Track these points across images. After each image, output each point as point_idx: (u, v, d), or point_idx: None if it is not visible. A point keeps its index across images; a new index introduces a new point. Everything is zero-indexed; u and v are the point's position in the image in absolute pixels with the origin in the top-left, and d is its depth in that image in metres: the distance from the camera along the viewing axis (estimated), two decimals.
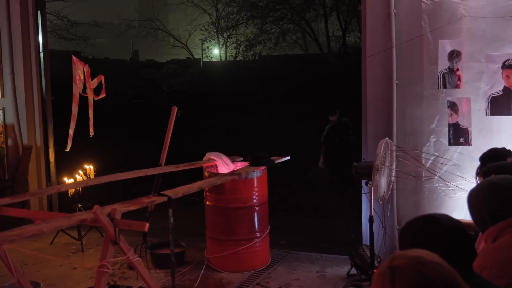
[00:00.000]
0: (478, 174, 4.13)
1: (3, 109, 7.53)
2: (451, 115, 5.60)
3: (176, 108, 6.04)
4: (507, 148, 4.30)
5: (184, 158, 6.43)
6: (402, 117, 5.73)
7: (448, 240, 2.08)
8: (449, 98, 5.59)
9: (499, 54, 5.39)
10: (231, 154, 6.60)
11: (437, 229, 2.12)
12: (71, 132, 6.70)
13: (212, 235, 6.01)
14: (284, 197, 9.65)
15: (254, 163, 6.13)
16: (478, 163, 4.13)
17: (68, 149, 6.79)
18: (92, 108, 6.72)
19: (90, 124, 6.74)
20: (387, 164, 5.01)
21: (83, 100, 6.65)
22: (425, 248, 1.72)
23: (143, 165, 5.87)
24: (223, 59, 34.75)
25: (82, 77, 6.55)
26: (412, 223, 2.20)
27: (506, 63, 5.37)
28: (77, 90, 6.53)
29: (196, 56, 37.39)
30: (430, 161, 5.64)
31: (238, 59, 31.21)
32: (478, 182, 4.07)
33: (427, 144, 5.68)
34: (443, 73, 5.57)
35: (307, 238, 7.22)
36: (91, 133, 6.79)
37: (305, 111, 18.47)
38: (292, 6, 26.99)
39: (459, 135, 5.58)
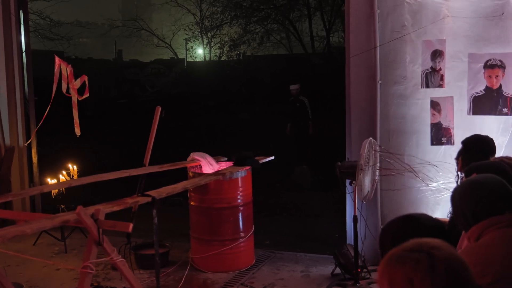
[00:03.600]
0: (458, 158, 4.15)
1: None
2: (433, 114, 5.63)
3: (160, 108, 6.02)
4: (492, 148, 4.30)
5: (168, 158, 6.40)
6: (385, 116, 5.75)
7: None
8: (431, 98, 5.62)
9: (482, 54, 5.44)
10: (215, 154, 6.58)
11: (417, 228, 2.13)
12: (35, 130, 6.98)
13: (197, 235, 6.00)
14: (269, 197, 9.64)
15: (238, 163, 6.12)
16: None
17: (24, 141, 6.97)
18: (76, 108, 6.67)
19: (75, 124, 6.68)
20: (371, 163, 5.03)
21: (67, 100, 6.60)
22: None
23: (127, 166, 5.84)
24: (207, 59, 34.68)
25: (65, 77, 6.51)
26: (392, 223, 2.21)
27: (488, 63, 5.41)
28: (54, 90, 6.50)
29: (180, 56, 37.31)
30: (413, 161, 5.67)
31: (222, 59, 31.19)
32: (459, 172, 4.11)
33: (410, 143, 5.71)
34: (426, 73, 5.60)
35: (292, 238, 7.22)
36: (78, 133, 6.72)
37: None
38: (276, 6, 26.97)
39: (441, 134, 5.62)
